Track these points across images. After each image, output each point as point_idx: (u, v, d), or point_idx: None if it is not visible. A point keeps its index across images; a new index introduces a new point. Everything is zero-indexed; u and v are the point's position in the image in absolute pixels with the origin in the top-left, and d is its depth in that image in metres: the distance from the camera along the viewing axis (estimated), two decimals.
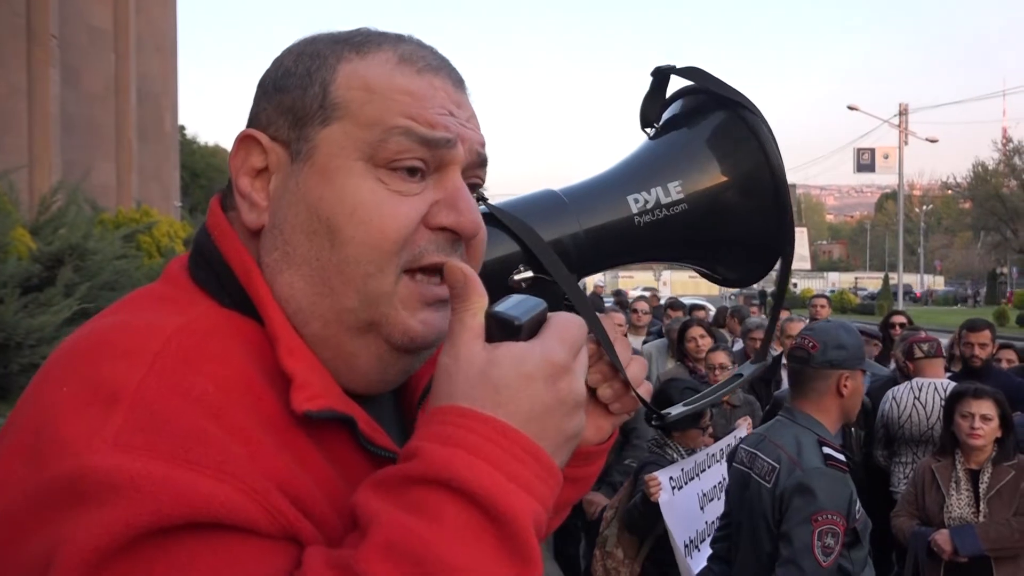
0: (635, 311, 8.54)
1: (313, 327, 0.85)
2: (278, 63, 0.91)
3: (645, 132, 1.13)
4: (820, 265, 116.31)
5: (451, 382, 0.75)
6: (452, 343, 0.77)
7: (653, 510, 3.99)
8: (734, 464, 3.34)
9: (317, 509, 0.77)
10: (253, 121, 0.90)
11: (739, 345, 7.40)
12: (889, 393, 5.53)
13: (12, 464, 0.72)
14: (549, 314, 0.79)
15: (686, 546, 3.99)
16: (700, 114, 1.11)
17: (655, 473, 4.03)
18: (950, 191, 68.48)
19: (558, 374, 0.75)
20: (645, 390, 1.01)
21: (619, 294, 14.10)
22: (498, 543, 0.68)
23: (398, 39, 0.91)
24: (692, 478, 4.17)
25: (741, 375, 1.21)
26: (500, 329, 0.76)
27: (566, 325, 0.78)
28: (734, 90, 1.08)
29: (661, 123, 1.13)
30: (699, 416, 4.25)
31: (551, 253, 0.99)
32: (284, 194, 0.87)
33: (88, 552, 0.65)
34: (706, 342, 6.35)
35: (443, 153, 0.86)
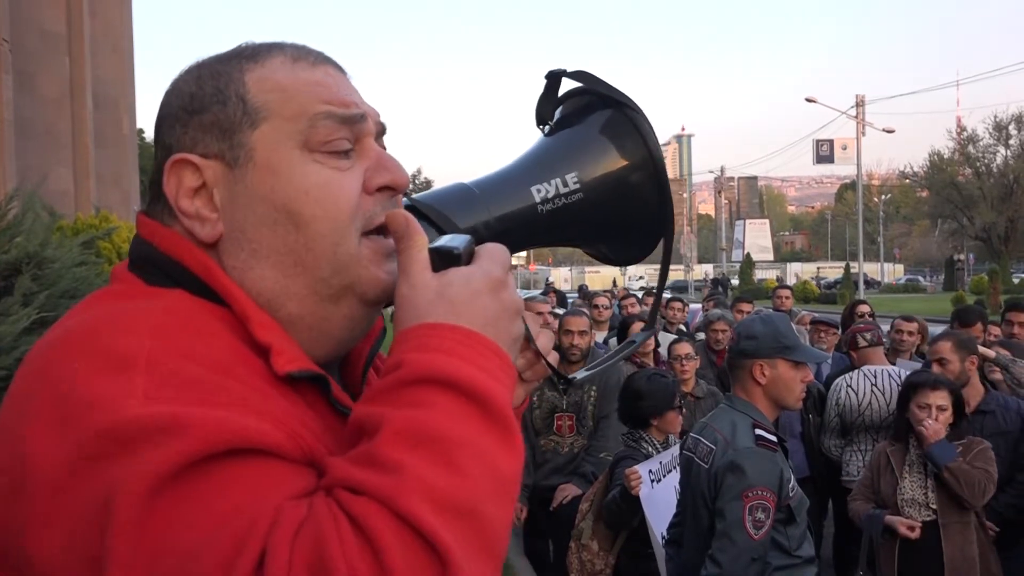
0: (596, 307, 8.62)
1: (289, 308, 0.95)
2: (178, 92, 0.98)
3: (540, 129, 1.26)
4: (783, 256, 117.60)
5: (413, 306, 0.87)
6: (406, 275, 0.90)
7: (633, 504, 4.02)
8: (683, 451, 3.49)
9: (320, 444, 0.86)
10: (174, 148, 0.96)
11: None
12: (842, 381, 5.56)
13: (39, 437, 0.78)
14: (476, 247, 0.94)
15: (663, 538, 4.03)
16: (589, 113, 1.25)
17: (635, 467, 4.06)
18: (907, 180, 69.27)
19: (499, 287, 0.89)
20: (553, 359, 1.11)
21: (582, 289, 14.19)
22: (484, 419, 0.80)
23: (279, 44, 1.00)
24: (670, 471, 4.18)
25: (634, 342, 1.34)
26: (442, 259, 0.90)
27: (494, 250, 0.93)
28: (618, 91, 1.23)
29: (555, 121, 1.26)
30: (671, 397, 4.32)
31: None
32: (234, 199, 0.94)
33: (148, 480, 0.73)
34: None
35: (359, 127, 0.98)
